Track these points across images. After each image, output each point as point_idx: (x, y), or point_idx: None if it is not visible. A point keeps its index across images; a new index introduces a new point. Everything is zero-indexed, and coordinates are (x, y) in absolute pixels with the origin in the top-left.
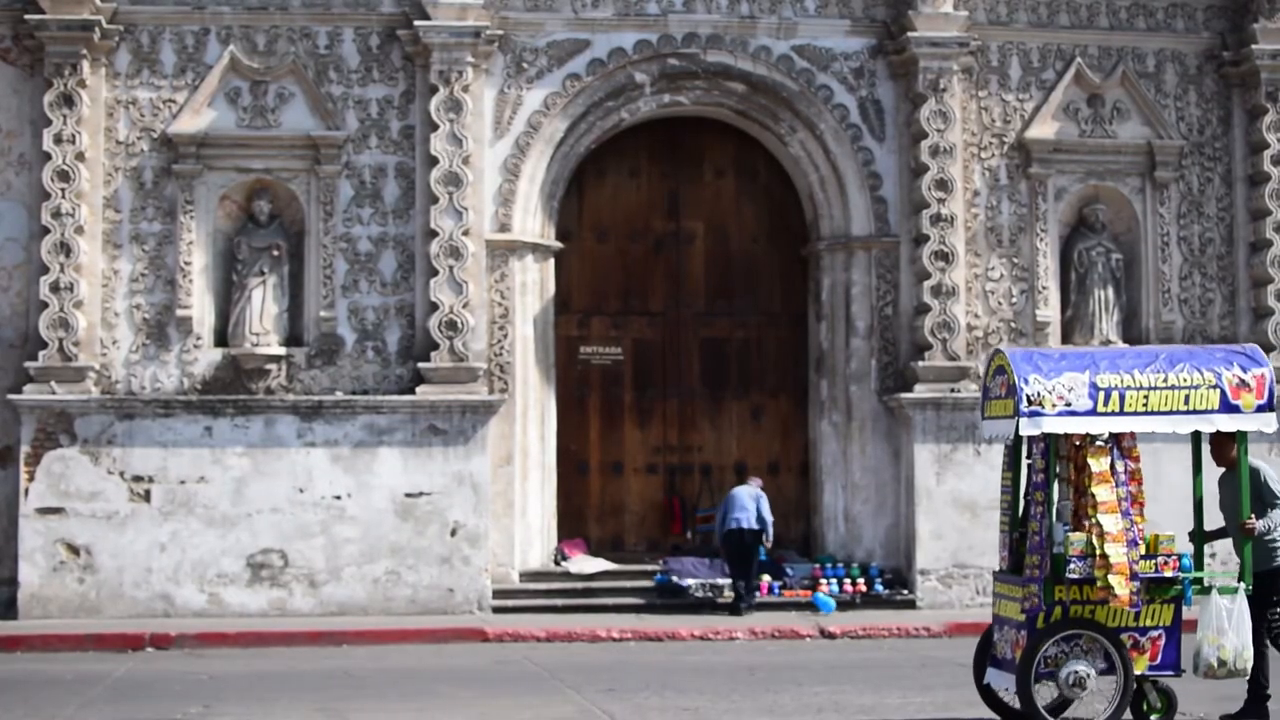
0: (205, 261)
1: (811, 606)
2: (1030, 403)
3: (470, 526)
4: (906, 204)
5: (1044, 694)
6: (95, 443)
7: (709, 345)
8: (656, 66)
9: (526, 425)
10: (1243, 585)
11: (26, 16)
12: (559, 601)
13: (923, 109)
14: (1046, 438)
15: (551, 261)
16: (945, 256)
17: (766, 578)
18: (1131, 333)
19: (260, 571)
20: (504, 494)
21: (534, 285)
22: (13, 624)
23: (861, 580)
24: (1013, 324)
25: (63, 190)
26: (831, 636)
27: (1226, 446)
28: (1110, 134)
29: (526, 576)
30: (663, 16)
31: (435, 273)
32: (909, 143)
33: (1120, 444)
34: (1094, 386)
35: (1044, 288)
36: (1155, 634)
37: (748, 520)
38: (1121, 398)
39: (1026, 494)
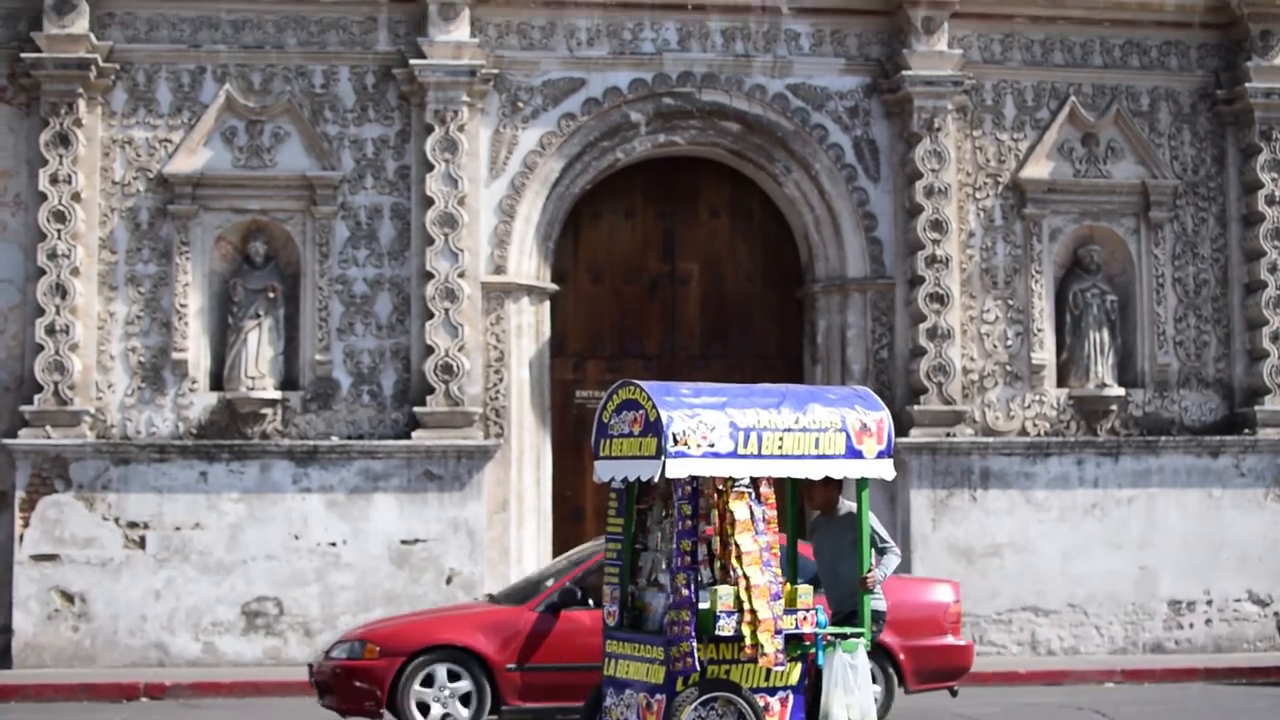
0: (201, 304)
1: None
2: (676, 442)
3: (466, 574)
4: (902, 245)
5: None
6: (90, 488)
7: None
8: (652, 105)
9: (522, 470)
10: (863, 641)
11: (23, 55)
12: None
13: (917, 149)
14: (693, 480)
15: (547, 304)
16: (940, 298)
17: None
18: (1127, 376)
19: (255, 619)
20: (499, 540)
21: (529, 328)
22: (7, 673)
23: None
24: (1008, 367)
25: (59, 231)
26: None
27: (828, 491)
28: (1105, 174)
29: None
30: (658, 55)
31: (431, 315)
32: (904, 183)
33: (758, 489)
34: (734, 426)
35: (1039, 330)
36: (783, 694)
37: None
38: (760, 439)
39: (637, 541)
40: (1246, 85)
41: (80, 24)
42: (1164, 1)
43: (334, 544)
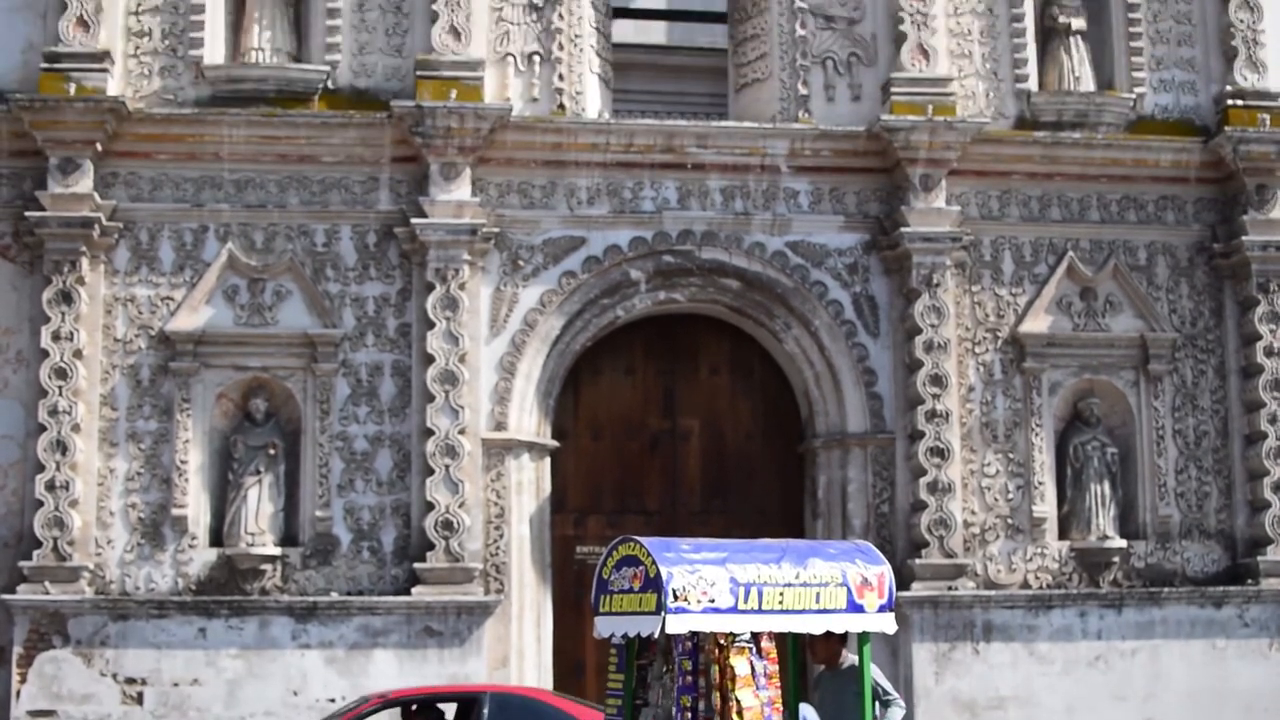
0: (201, 460)
1: None
2: (676, 598)
3: None
4: (901, 400)
5: None
6: (88, 644)
7: None
8: (651, 263)
9: (523, 627)
10: None
11: (27, 213)
12: None
13: (916, 304)
14: (694, 636)
15: (547, 460)
16: (941, 453)
17: None
18: (1129, 527)
19: None
20: None
21: (530, 484)
22: None
23: None
24: (1009, 520)
25: (60, 388)
26: None
27: (830, 645)
28: (1103, 327)
29: None
30: (658, 214)
31: (431, 472)
32: (903, 338)
33: (759, 643)
34: (734, 581)
35: (1040, 483)
36: None
37: None
38: (760, 594)
39: (638, 697)
40: (1243, 239)
41: (84, 183)
42: (1159, 158)
43: (333, 700)
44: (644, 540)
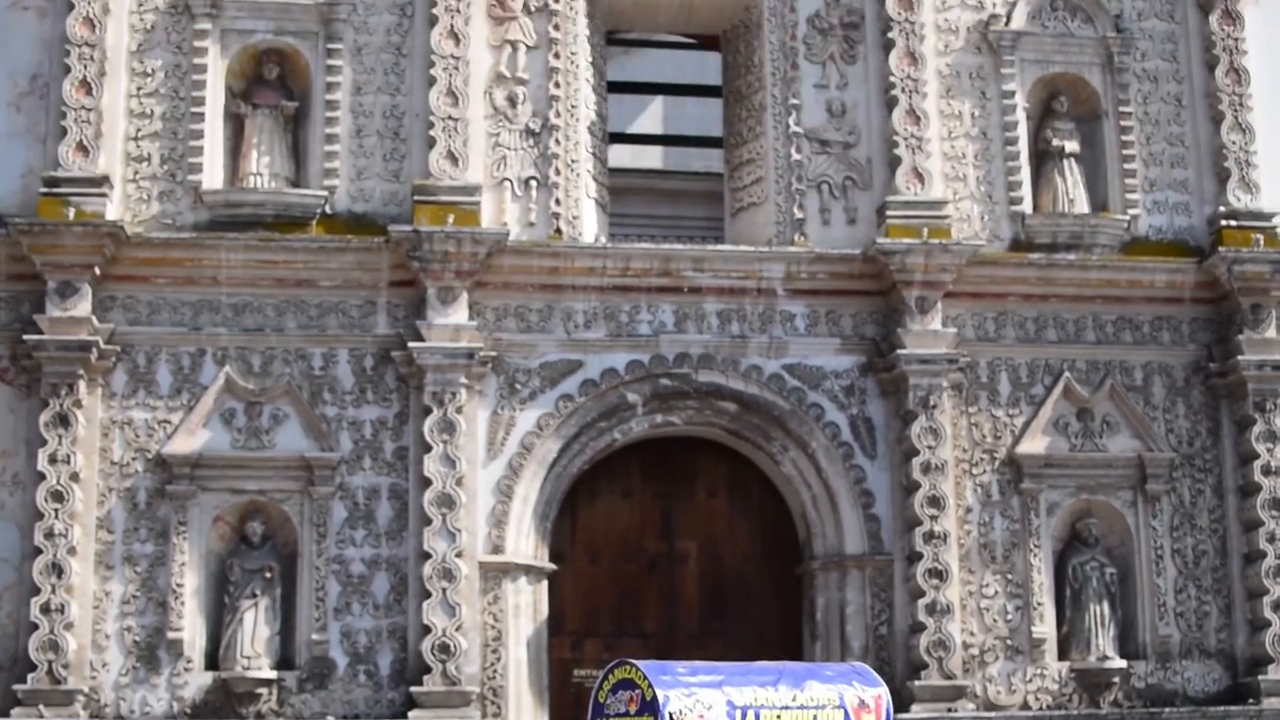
0: (197, 583)
1: None
2: None
3: None
4: (899, 521)
5: None
6: None
7: None
8: (648, 387)
9: None
10: None
11: (25, 337)
12: None
13: (913, 426)
14: None
15: (545, 583)
16: (939, 574)
17: None
18: (1128, 647)
19: None
20: None
21: (527, 607)
22: None
23: None
24: (1008, 641)
25: (56, 511)
26: None
27: None
28: (1100, 448)
29: None
30: (654, 337)
31: (428, 595)
32: (900, 460)
33: None
34: (731, 704)
35: (1039, 604)
36: None
37: None
38: (757, 717)
39: None
40: (1239, 358)
41: (82, 307)
42: (1154, 279)
43: None
44: (640, 663)
